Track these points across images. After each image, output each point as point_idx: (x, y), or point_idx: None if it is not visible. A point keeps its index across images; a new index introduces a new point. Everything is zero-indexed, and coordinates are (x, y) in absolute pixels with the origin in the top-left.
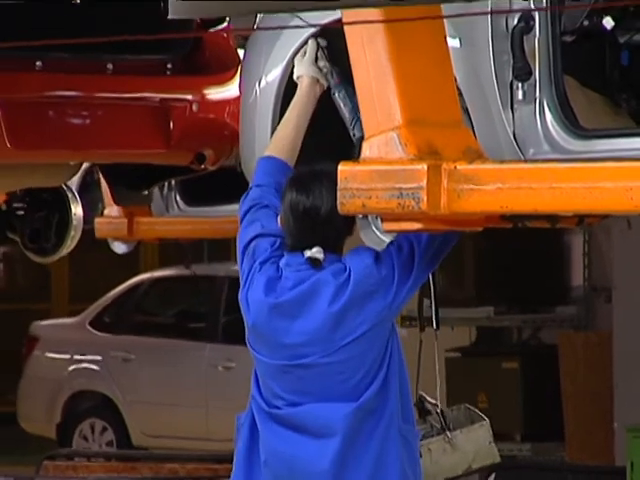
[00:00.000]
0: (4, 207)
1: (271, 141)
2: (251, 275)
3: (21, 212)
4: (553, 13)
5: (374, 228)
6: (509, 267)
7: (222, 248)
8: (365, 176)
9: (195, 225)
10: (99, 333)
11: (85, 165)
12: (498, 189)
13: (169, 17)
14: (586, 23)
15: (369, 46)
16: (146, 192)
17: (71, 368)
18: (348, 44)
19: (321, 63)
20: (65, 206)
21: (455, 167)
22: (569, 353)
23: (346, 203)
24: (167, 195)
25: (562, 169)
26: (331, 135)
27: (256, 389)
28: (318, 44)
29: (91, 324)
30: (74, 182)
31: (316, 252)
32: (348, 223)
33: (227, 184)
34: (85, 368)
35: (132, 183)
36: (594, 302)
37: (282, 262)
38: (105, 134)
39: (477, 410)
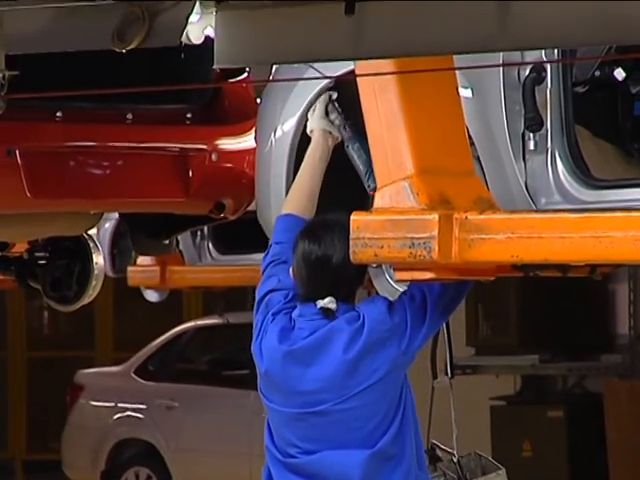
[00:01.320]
0: (26, 256)
1: (288, 196)
2: (264, 326)
3: (43, 261)
4: (564, 64)
5: (387, 277)
6: (553, 315)
7: None
8: (377, 226)
9: (227, 273)
10: (143, 381)
11: (118, 214)
12: (509, 239)
13: (214, 66)
14: (597, 74)
15: (381, 96)
16: (167, 241)
17: (116, 416)
18: (360, 94)
19: (333, 116)
20: (87, 255)
21: (466, 217)
22: (614, 401)
23: (358, 252)
24: (200, 244)
25: (572, 219)
26: (346, 186)
27: (269, 440)
28: (330, 97)
29: (136, 372)
30: (107, 231)
31: (328, 302)
32: (360, 273)
33: (258, 233)
34: (129, 416)
35: (152, 232)
36: (639, 350)
37: (295, 313)
38: (124, 183)
39: (489, 457)
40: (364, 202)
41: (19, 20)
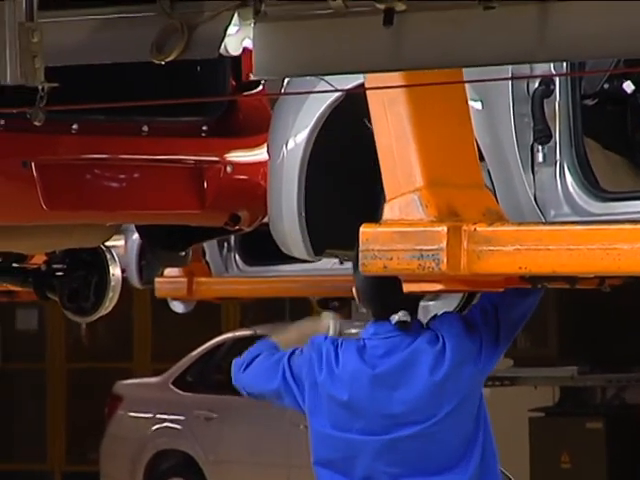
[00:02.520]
0: (44, 267)
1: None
2: (328, 357)
3: (60, 272)
4: (573, 77)
5: None
6: (592, 326)
7: (303, 307)
8: (386, 237)
9: (253, 285)
10: (182, 392)
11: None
12: (517, 250)
13: (253, 78)
14: (606, 87)
15: (390, 108)
16: (183, 253)
17: (154, 427)
18: (370, 107)
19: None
20: (104, 267)
21: (475, 229)
22: None
23: (368, 264)
24: (226, 255)
25: (579, 231)
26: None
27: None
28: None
29: (174, 383)
30: (135, 243)
31: (403, 316)
32: None
33: None
34: (168, 427)
35: (169, 244)
36: None
37: (366, 333)
38: (140, 195)
39: (507, 472)
40: (374, 207)
41: (59, 32)
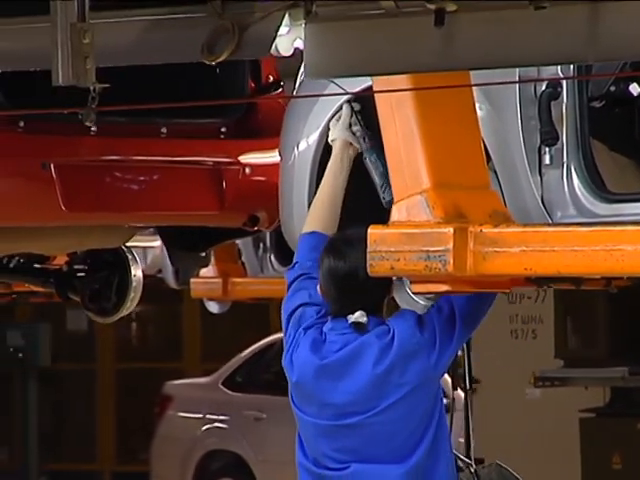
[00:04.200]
0: (65, 268)
1: (310, 210)
2: (296, 339)
3: (82, 273)
4: (580, 80)
5: (407, 289)
6: None
7: None
8: (394, 239)
9: None
10: (231, 393)
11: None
12: (522, 252)
13: (305, 79)
14: (613, 89)
15: (398, 110)
16: (203, 254)
17: (204, 427)
18: (378, 108)
19: (355, 127)
20: (125, 267)
21: (481, 230)
22: None
23: (375, 265)
24: (262, 256)
25: (584, 232)
26: (364, 199)
27: (301, 453)
28: (352, 108)
29: (224, 384)
30: None
31: (359, 317)
32: (386, 284)
33: None
34: (217, 427)
35: (189, 245)
36: None
37: (326, 327)
38: (159, 197)
39: (509, 468)
40: (382, 213)
41: (110, 33)
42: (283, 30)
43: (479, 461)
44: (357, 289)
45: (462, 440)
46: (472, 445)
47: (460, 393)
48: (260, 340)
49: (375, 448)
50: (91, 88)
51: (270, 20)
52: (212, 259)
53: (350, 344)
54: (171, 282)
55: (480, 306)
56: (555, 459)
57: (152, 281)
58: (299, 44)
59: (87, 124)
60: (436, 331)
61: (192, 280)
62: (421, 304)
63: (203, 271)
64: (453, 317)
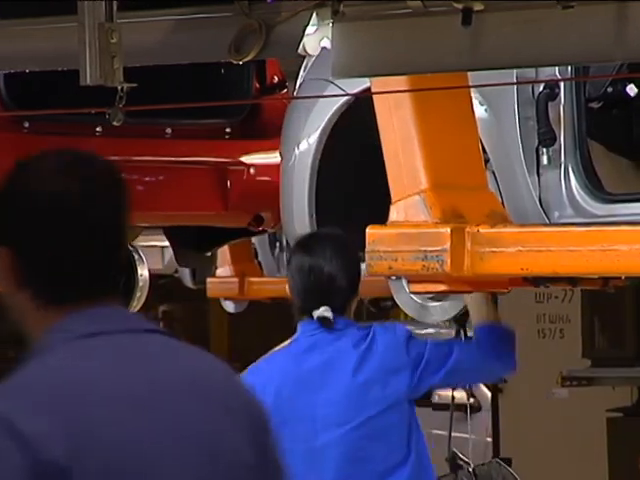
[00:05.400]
0: None
1: None
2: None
3: None
4: (577, 81)
5: (407, 289)
6: None
7: (380, 309)
8: (392, 239)
9: None
10: None
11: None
12: (519, 252)
13: (330, 78)
14: (610, 90)
15: (396, 112)
16: (209, 254)
17: None
18: (376, 110)
19: None
20: (131, 267)
21: (478, 230)
22: None
23: (374, 265)
24: (278, 255)
25: (580, 232)
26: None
27: None
28: None
29: None
30: None
31: (324, 311)
32: (353, 283)
33: None
34: None
35: (195, 245)
36: None
37: (297, 333)
38: (164, 197)
39: (508, 467)
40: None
41: (137, 33)
42: (310, 29)
43: (506, 460)
44: (322, 284)
45: (490, 440)
46: (470, 445)
47: (487, 393)
48: (287, 339)
49: (361, 467)
50: (119, 88)
51: (297, 19)
52: (229, 258)
53: (319, 347)
54: (188, 282)
55: (478, 374)
56: (582, 458)
57: (178, 279)
58: (326, 43)
59: (114, 124)
60: (425, 357)
61: (208, 280)
62: (419, 303)
63: (219, 271)
64: (449, 357)
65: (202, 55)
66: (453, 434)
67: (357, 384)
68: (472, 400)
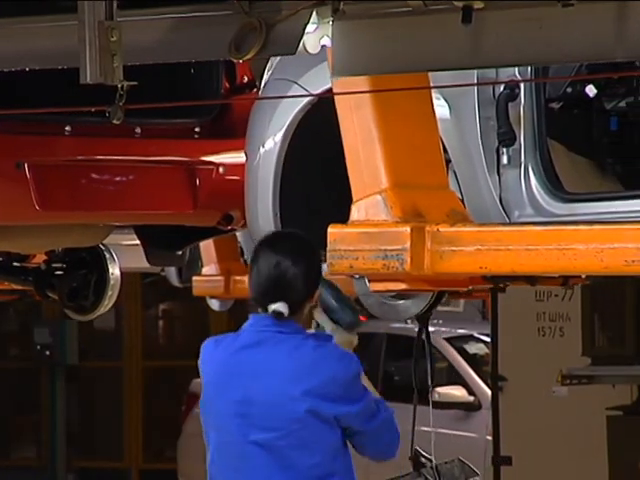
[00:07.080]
0: (43, 267)
1: None
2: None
3: (60, 271)
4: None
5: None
6: None
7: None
8: (353, 238)
9: None
10: None
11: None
12: (478, 250)
13: (332, 77)
14: (569, 91)
15: (357, 112)
16: (179, 253)
17: None
18: (337, 110)
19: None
20: (103, 266)
21: (438, 229)
22: None
23: (335, 264)
24: None
25: (537, 232)
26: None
27: None
28: None
29: None
30: None
31: (280, 306)
32: (310, 285)
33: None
34: None
35: (165, 244)
36: None
37: (246, 324)
38: (133, 196)
39: (470, 464)
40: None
41: (137, 31)
42: (310, 28)
43: (505, 459)
44: (280, 279)
45: (490, 438)
46: (433, 441)
47: (487, 391)
48: None
49: (285, 473)
50: (119, 86)
51: (297, 18)
52: (215, 257)
53: (266, 344)
54: (174, 280)
55: (390, 440)
56: (582, 457)
57: None
58: (326, 42)
59: (114, 122)
60: (362, 401)
61: (194, 278)
62: (382, 302)
63: (205, 269)
64: (377, 416)
65: (202, 53)
66: (454, 433)
67: (290, 394)
68: (472, 398)
